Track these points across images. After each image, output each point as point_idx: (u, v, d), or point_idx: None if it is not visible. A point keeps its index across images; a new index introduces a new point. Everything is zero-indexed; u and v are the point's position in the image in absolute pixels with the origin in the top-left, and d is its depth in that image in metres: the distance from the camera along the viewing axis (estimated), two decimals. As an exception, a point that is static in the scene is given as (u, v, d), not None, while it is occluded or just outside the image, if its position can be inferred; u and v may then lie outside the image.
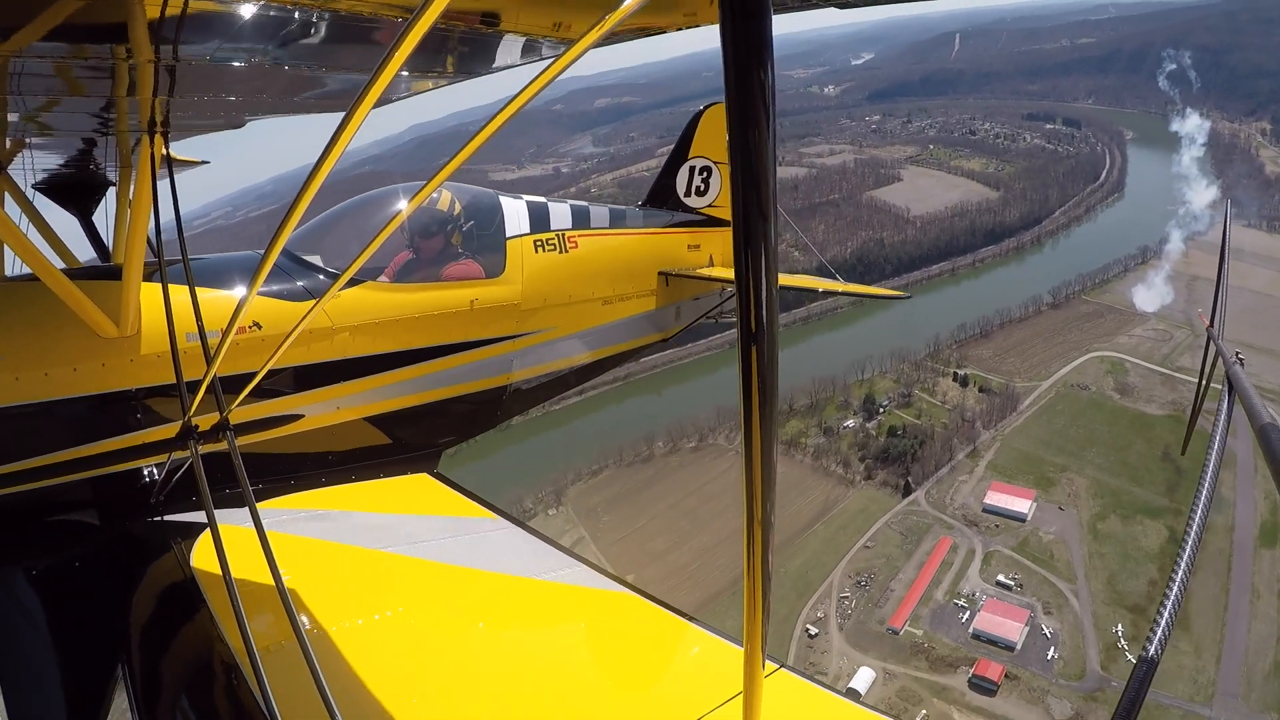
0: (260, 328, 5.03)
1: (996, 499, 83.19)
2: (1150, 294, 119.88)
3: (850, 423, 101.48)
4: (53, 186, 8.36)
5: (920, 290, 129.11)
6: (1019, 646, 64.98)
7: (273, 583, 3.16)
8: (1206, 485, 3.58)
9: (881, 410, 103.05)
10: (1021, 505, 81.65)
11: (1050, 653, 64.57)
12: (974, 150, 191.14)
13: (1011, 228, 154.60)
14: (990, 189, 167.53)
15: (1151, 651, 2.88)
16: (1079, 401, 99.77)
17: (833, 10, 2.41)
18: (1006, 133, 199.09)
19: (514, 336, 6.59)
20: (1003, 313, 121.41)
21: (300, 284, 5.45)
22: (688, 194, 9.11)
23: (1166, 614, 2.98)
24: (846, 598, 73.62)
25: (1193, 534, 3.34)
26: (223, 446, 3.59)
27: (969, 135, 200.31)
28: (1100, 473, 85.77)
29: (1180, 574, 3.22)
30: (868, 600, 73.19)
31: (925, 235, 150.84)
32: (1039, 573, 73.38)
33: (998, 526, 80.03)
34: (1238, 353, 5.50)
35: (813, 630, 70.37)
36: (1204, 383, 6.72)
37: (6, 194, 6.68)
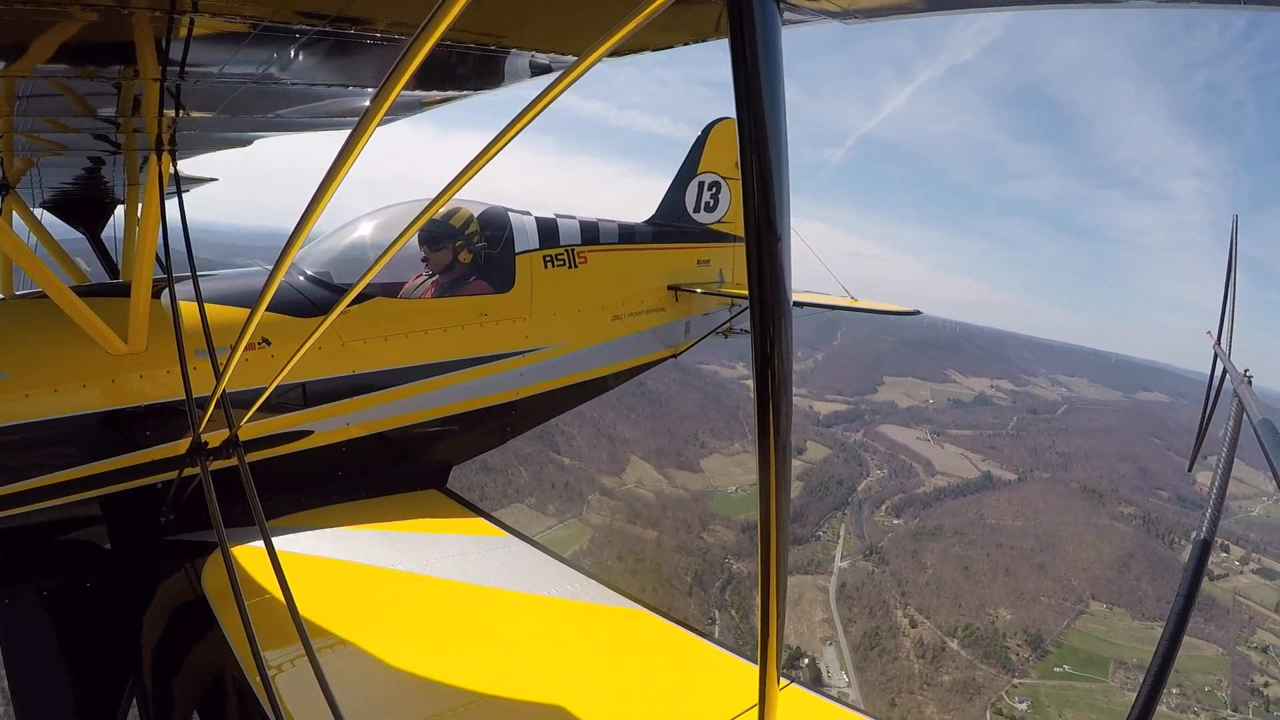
0: (269, 344, 5.01)
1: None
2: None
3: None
4: (61, 204, 8.43)
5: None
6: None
7: (283, 601, 3.13)
8: (1213, 497, 3.57)
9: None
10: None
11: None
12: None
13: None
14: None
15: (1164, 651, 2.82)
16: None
17: (839, 27, 2.35)
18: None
19: (523, 352, 6.56)
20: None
21: (309, 300, 5.44)
22: (697, 209, 9.13)
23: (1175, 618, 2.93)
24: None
25: (1200, 539, 3.33)
26: (232, 463, 3.56)
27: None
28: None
29: (1185, 582, 3.16)
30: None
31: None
32: None
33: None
34: (1246, 371, 5.44)
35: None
36: (1212, 401, 6.70)
37: (15, 212, 6.70)
